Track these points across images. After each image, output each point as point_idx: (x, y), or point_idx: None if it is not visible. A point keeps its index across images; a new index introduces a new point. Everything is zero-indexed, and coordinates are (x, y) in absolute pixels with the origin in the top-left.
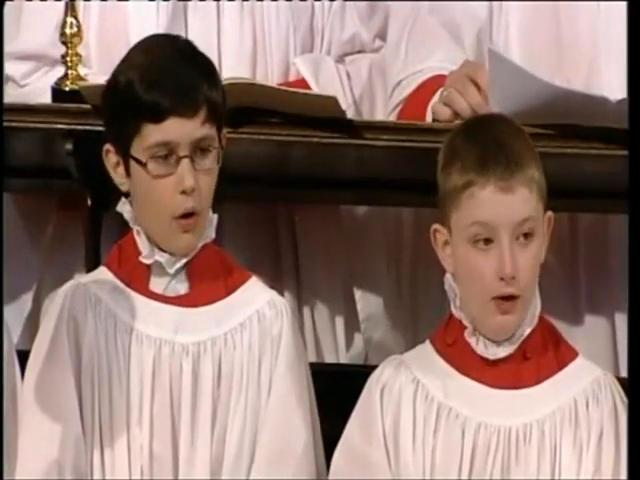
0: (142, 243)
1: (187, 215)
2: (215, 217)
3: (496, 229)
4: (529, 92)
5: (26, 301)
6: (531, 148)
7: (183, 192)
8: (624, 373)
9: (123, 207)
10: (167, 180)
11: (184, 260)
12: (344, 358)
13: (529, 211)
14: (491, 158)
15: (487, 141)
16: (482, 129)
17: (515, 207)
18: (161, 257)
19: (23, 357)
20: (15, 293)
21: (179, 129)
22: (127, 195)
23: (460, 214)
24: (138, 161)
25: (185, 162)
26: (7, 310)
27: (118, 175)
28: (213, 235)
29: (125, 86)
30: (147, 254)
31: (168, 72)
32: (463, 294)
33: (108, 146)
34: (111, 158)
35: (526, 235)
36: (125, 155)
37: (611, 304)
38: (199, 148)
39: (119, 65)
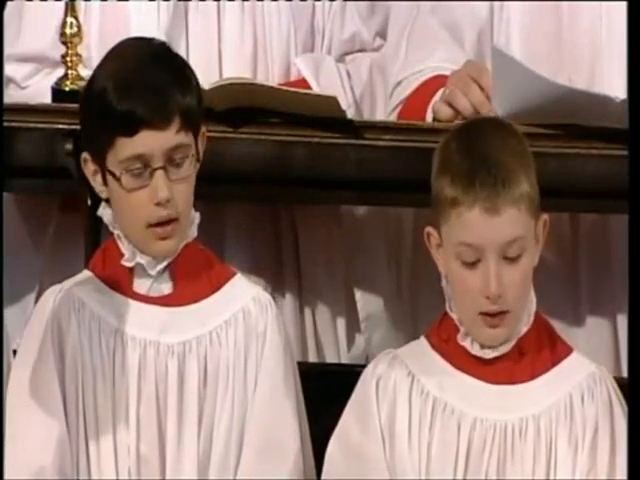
0: (123, 246)
1: (163, 223)
2: (197, 215)
3: (483, 250)
4: (533, 90)
5: (28, 302)
6: (524, 155)
7: (158, 203)
8: (626, 373)
9: (103, 211)
10: (141, 192)
11: (166, 261)
12: (345, 358)
13: (517, 231)
14: (479, 178)
15: (477, 156)
16: (474, 139)
17: (502, 229)
18: (142, 259)
19: None
20: (17, 294)
21: (152, 141)
22: (108, 200)
23: (449, 230)
24: (112, 174)
25: (159, 173)
26: (10, 311)
27: (97, 183)
28: (195, 234)
29: (98, 96)
30: (128, 257)
31: (139, 82)
32: (454, 302)
33: (85, 155)
34: (89, 167)
35: (515, 254)
36: (101, 165)
37: (612, 304)
38: (173, 157)
39: (94, 72)
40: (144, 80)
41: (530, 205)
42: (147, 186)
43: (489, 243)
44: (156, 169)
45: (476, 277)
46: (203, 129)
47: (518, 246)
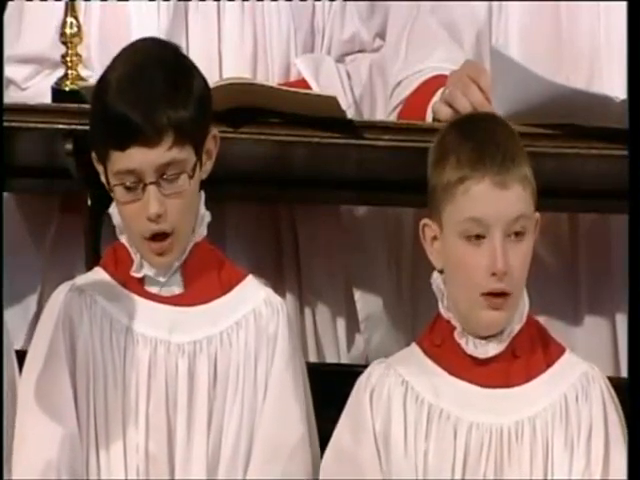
0: (132, 254)
1: (158, 237)
2: (207, 214)
3: (489, 225)
4: (532, 91)
5: (30, 303)
6: (522, 148)
7: (149, 219)
8: (625, 373)
9: (113, 211)
10: (135, 205)
11: (175, 266)
12: (345, 358)
13: (522, 209)
14: (487, 153)
15: (482, 137)
16: (475, 126)
17: (509, 203)
18: (149, 271)
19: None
20: (19, 295)
21: (143, 157)
22: None
23: (454, 208)
24: (109, 184)
25: (151, 189)
26: (12, 312)
27: (106, 182)
28: (204, 233)
29: (99, 103)
30: (136, 268)
31: (135, 95)
32: (452, 290)
33: (93, 154)
34: (98, 166)
35: (518, 233)
36: (104, 170)
37: (612, 304)
38: (166, 173)
39: (104, 71)
40: (140, 93)
41: (532, 191)
42: (140, 200)
43: (496, 217)
44: (148, 184)
45: (482, 255)
46: (214, 132)
47: (522, 224)
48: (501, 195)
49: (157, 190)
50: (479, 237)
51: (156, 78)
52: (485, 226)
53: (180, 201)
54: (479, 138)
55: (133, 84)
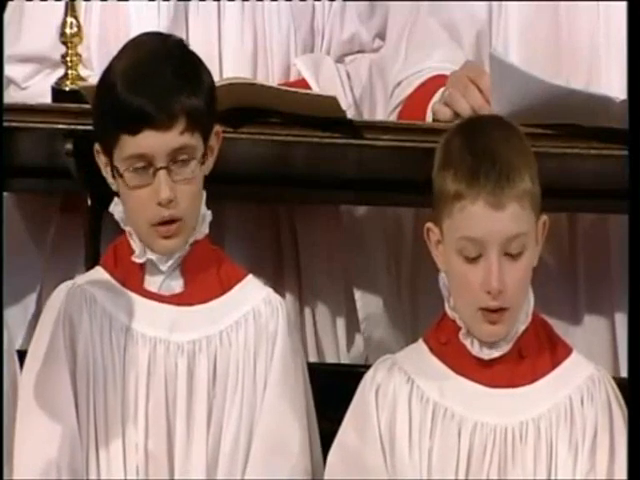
0: (134, 243)
1: (166, 222)
2: (209, 213)
3: (485, 245)
4: (532, 95)
5: (30, 302)
6: (526, 153)
7: (159, 204)
8: (624, 373)
9: (115, 207)
10: (144, 190)
11: (176, 256)
12: (345, 358)
13: (519, 227)
14: (483, 171)
15: (481, 151)
16: (478, 135)
17: (505, 224)
18: (152, 255)
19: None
20: (19, 294)
21: (155, 141)
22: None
23: (451, 224)
24: (117, 170)
25: (162, 173)
26: (11, 311)
27: (108, 175)
28: (206, 231)
29: (108, 91)
30: (138, 253)
31: (147, 81)
32: (454, 297)
33: (97, 146)
34: (101, 158)
35: (515, 253)
36: (110, 159)
37: (611, 304)
38: (177, 158)
39: (110, 63)
40: (151, 80)
41: (532, 203)
42: (150, 185)
43: (491, 238)
44: (159, 169)
45: (477, 272)
46: (217, 128)
47: (520, 243)
48: (496, 216)
49: (167, 175)
50: (475, 255)
51: (165, 70)
52: (481, 245)
53: (190, 188)
54: (478, 152)
55: (143, 74)
